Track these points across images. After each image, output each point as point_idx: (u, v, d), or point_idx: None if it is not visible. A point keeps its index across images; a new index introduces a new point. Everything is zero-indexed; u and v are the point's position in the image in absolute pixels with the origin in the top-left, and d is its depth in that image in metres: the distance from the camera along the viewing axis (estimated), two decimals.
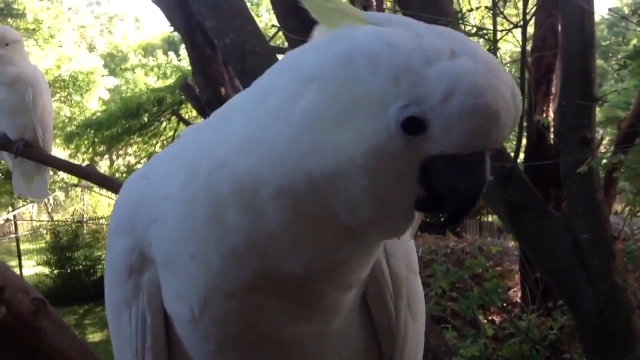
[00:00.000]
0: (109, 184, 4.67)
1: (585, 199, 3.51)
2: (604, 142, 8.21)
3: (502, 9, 3.77)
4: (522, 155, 6.42)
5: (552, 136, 6.35)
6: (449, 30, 0.89)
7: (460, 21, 3.68)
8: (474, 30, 3.86)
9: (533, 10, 3.92)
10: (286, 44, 7.52)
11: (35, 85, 4.20)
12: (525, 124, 4.98)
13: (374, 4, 6.90)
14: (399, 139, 0.83)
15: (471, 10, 4.23)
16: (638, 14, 4.04)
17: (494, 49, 3.70)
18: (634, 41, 7.23)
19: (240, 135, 0.93)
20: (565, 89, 3.70)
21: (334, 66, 0.87)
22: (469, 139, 0.83)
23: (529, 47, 6.39)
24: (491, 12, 3.63)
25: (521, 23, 3.62)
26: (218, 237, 0.95)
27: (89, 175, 4.37)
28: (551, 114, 6.80)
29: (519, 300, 6.72)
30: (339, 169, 0.85)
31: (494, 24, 3.61)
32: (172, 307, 1.08)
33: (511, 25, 3.69)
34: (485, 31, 3.89)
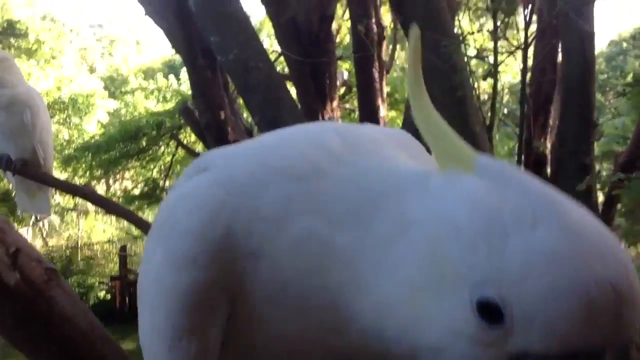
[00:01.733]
0: (107, 205, 4.64)
1: None
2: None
3: (503, 32, 3.74)
4: None
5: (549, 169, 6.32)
6: (542, 187, 0.72)
7: (462, 43, 3.63)
8: (475, 53, 3.82)
9: (533, 36, 3.89)
10: (286, 69, 7.54)
11: (33, 106, 4.16)
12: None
13: (374, 29, 6.89)
14: (476, 323, 0.68)
15: (472, 33, 4.19)
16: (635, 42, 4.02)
17: (494, 72, 3.67)
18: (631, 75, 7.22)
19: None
20: (564, 113, 3.70)
21: (429, 224, 0.75)
22: (562, 337, 0.64)
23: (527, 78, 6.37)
24: (493, 35, 3.61)
25: (522, 46, 3.58)
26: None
27: (86, 195, 4.31)
28: (549, 145, 6.78)
29: None
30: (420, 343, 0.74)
31: (495, 47, 3.58)
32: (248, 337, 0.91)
33: (512, 48, 3.67)
34: (486, 54, 3.86)
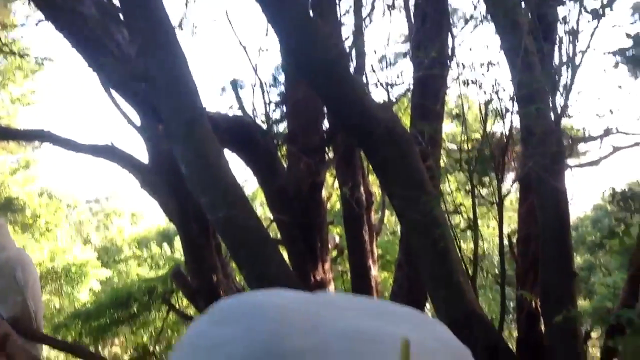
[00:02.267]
0: None
1: None
2: (594, 335, 8.15)
3: (479, 191, 3.96)
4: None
5: (542, 327, 6.33)
6: None
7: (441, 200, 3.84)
8: (453, 209, 4.03)
9: (507, 193, 4.13)
10: (278, 234, 7.71)
11: (24, 264, 4.32)
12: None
13: (362, 195, 7.18)
14: None
15: (450, 193, 4.42)
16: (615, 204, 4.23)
17: (474, 230, 3.84)
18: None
19: None
20: (544, 265, 3.84)
21: None
22: None
23: (514, 239, 6.54)
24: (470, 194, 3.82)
25: (497, 201, 3.79)
26: None
27: (76, 351, 4.30)
28: (539, 303, 6.81)
29: None
30: None
31: (473, 202, 3.78)
32: None
33: (489, 204, 3.86)
34: (463, 209, 4.06)
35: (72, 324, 12.27)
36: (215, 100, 25.67)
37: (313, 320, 0.82)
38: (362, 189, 7.24)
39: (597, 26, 3.51)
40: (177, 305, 11.10)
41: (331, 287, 7.17)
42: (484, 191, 3.88)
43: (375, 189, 8.51)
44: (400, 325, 0.76)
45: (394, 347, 0.73)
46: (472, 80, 4.01)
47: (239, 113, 7.17)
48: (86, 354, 4.26)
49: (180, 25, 8.44)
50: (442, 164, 5.11)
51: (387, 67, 6.52)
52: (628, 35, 3.93)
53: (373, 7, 6.85)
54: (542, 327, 6.49)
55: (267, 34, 6.73)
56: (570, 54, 3.64)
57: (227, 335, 0.80)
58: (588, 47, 3.57)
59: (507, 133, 3.99)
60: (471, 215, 3.88)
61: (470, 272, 3.82)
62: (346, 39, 6.62)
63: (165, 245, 18.83)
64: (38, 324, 4.43)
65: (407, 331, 0.80)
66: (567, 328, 3.39)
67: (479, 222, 4.08)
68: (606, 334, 5.72)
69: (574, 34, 3.61)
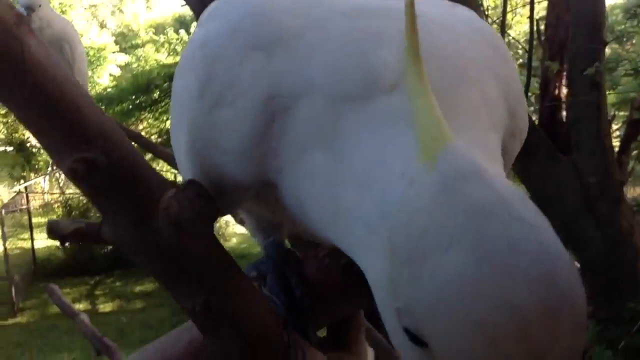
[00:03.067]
0: (154, 149, 4.46)
1: (593, 143, 3.57)
2: (617, 124, 8.24)
3: None
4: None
5: (564, 113, 6.43)
6: (490, 197, 0.59)
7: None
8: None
9: None
10: None
11: (71, 39, 4.30)
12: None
13: None
14: (409, 344, 0.61)
15: None
16: None
17: (502, 26, 3.76)
18: None
19: None
20: (575, 33, 3.78)
21: (381, 221, 0.67)
22: None
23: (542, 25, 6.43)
24: None
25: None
26: None
27: (134, 138, 4.22)
28: (564, 90, 6.85)
29: None
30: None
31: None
32: None
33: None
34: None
35: None
36: None
37: (307, 3, 0.83)
38: None
39: None
40: None
41: None
42: None
43: None
44: (419, 4, 0.69)
45: (400, 20, 0.69)
46: None
47: None
48: (138, 137, 4.28)
49: None
50: None
51: None
52: None
53: None
54: (564, 115, 6.62)
55: None
56: None
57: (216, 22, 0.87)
58: None
59: None
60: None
61: None
62: None
63: (182, 32, 18.62)
64: None
65: (427, 7, 0.81)
66: (591, 109, 3.40)
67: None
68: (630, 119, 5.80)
69: None
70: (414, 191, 0.62)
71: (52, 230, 0.84)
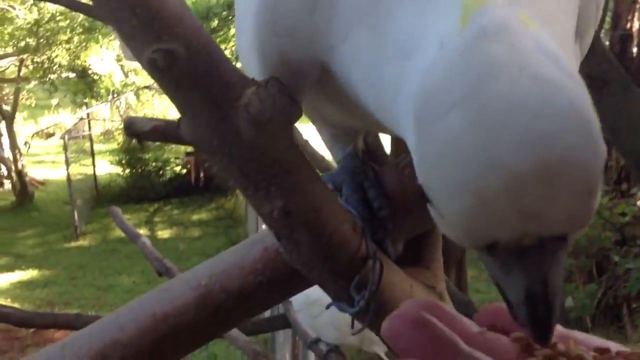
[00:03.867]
0: None
1: None
2: None
3: None
4: None
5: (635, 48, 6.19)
6: (514, 55, 0.53)
7: None
8: None
9: None
10: None
11: None
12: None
13: None
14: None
15: None
16: None
17: None
18: None
19: None
20: None
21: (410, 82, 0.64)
22: (469, 234, 0.54)
23: None
24: None
25: None
26: None
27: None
28: (636, 24, 6.61)
29: None
30: None
31: None
32: None
33: None
34: None
35: None
36: None
37: None
38: None
39: None
40: None
41: None
42: None
43: None
44: None
45: None
46: None
47: None
48: None
49: None
50: None
51: None
52: None
53: None
54: (635, 49, 6.38)
55: None
56: None
57: None
58: None
59: None
60: None
61: None
62: None
63: None
64: None
65: None
66: None
67: None
68: None
69: None
70: (441, 54, 0.58)
71: (130, 128, 0.82)
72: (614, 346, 0.52)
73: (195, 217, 12.28)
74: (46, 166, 17.09)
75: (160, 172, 13.87)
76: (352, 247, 0.81)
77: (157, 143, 13.74)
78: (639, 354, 0.50)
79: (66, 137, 13.05)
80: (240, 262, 0.86)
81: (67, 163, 12.19)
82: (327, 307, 0.85)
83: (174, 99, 0.72)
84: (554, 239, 0.52)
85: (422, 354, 0.48)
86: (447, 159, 0.53)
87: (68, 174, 12.04)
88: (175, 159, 14.09)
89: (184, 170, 13.81)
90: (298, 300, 2.69)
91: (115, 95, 15.19)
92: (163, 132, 0.83)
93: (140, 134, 0.82)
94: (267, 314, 6.02)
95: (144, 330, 0.81)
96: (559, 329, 0.55)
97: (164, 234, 11.54)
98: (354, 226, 0.82)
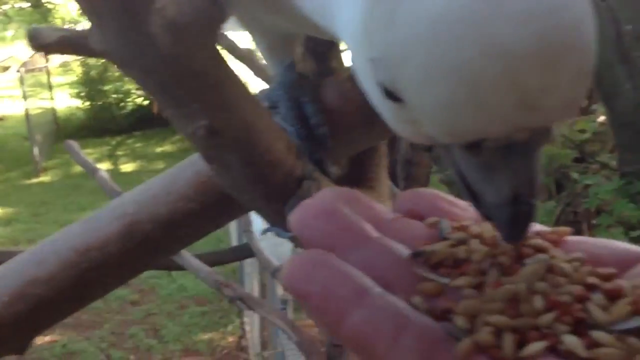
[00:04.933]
0: None
1: None
2: None
3: None
4: None
5: None
6: None
7: None
8: None
9: None
10: None
11: None
12: None
13: None
14: (386, 102, 0.50)
15: None
16: None
17: None
18: None
19: None
20: None
21: None
22: (452, 129, 0.46)
23: None
24: None
25: None
26: None
27: None
28: None
29: None
30: None
31: None
32: None
33: None
34: None
35: None
36: None
37: None
38: None
39: None
40: None
41: None
42: None
43: None
44: None
45: None
46: None
47: None
48: None
49: None
50: None
51: None
52: None
53: None
54: None
55: None
56: None
57: None
58: None
59: None
60: None
61: None
62: None
63: None
64: None
65: None
66: None
67: None
68: None
69: None
70: None
71: (34, 39, 0.74)
72: (538, 228, 0.49)
73: (158, 149, 12.13)
74: (3, 101, 16.67)
75: (122, 104, 13.59)
76: (286, 168, 0.74)
77: (117, 73, 13.44)
78: (559, 232, 0.47)
79: (22, 70, 12.68)
80: (169, 187, 0.79)
81: (25, 97, 11.87)
82: (263, 233, 0.80)
83: (80, 2, 0.64)
84: (541, 132, 0.45)
85: (327, 244, 0.43)
86: (429, 40, 0.44)
87: (26, 109, 11.74)
88: (136, 90, 13.78)
89: (146, 102, 13.54)
90: (259, 228, 2.66)
91: (71, 24, 14.70)
92: (71, 42, 0.74)
93: (46, 45, 0.74)
94: (233, 243, 6.03)
95: (66, 264, 0.75)
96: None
97: (127, 167, 11.39)
98: (288, 145, 0.76)
